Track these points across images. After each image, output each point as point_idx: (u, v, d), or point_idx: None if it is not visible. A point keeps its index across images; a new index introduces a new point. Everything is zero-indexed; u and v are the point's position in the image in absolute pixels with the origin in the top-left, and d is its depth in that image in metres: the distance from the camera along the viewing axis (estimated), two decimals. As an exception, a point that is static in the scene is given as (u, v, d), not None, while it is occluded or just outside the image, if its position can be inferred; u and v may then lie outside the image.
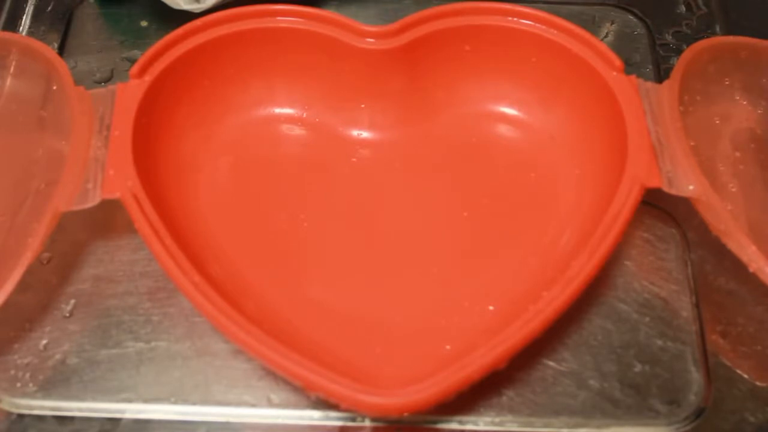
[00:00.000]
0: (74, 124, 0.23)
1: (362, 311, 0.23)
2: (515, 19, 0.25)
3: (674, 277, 0.25)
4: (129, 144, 0.22)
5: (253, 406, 0.22)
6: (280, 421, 0.22)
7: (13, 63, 0.25)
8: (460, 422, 0.22)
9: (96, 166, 0.22)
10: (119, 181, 0.22)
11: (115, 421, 0.22)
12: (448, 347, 0.22)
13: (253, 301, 0.22)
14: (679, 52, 0.28)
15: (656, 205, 0.26)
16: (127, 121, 0.23)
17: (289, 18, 0.25)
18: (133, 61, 0.28)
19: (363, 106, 0.26)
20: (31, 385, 0.22)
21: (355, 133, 0.27)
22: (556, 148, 0.26)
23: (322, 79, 0.26)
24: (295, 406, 0.22)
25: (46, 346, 0.23)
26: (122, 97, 0.23)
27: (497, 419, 0.22)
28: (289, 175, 0.26)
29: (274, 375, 0.23)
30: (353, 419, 0.22)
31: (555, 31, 0.25)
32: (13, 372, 0.23)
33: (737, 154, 0.25)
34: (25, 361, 0.23)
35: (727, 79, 0.26)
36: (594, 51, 0.24)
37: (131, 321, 0.24)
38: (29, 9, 0.31)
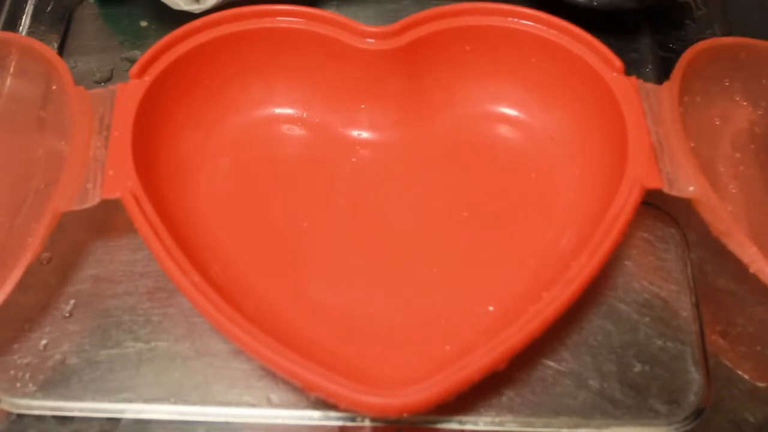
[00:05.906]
0: (74, 124, 0.23)
1: (362, 311, 0.23)
2: (515, 19, 0.25)
3: (674, 277, 0.25)
4: (129, 144, 0.22)
5: (252, 406, 0.22)
6: (279, 421, 0.22)
7: (13, 63, 0.25)
8: (460, 422, 0.22)
9: (96, 166, 0.22)
10: (119, 181, 0.22)
11: (114, 422, 0.22)
12: (448, 347, 0.22)
13: (253, 301, 0.22)
14: (679, 52, 0.28)
15: (656, 205, 0.26)
16: (127, 121, 0.23)
17: (289, 18, 0.25)
18: (133, 61, 0.28)
19: (363, 106, 0.26)
20: (30, 385, 0.22)
21: (355, 133, 0.27)
22: (556, 148, 0.26)
23: (322, 79, 0.26)
24: (295, 406, 0.22)
25: (45, 347, 0.23)
26: (122, 97, 0.23)
27: (497, 419, 0.22)
28: (289, 175, 0.26)
29: (273, 375, 0.23)
30: (353, 419, 0.22)
31: (555, 32, 0.25)
32: (12, 372, 0.23)
33: (737, 155, 0.25)
34: (25, 361, 0.23)
35: (726, 79, 0.26)
36: (594, 52, 0.24)
37: (131, 321, 0.24)
38: (29, 9, 0.31)
